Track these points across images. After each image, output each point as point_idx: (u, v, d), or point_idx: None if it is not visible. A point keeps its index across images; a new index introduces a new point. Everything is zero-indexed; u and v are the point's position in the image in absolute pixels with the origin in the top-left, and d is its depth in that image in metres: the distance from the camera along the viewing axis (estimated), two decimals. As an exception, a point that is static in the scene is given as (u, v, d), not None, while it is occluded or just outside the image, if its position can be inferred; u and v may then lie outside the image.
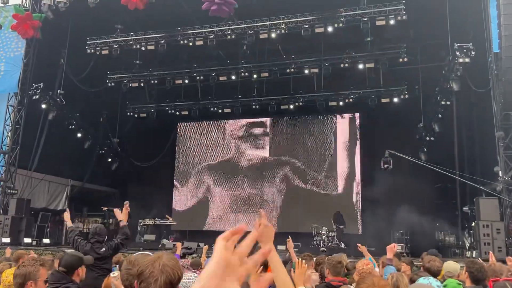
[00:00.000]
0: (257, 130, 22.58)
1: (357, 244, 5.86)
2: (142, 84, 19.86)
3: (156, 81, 19.72)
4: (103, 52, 17.56)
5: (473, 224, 13.86)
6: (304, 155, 21.56)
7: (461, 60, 13.84)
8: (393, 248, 4.93)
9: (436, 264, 4.72)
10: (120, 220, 6.63)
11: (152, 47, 17.41)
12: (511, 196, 12.76)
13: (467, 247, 15.06)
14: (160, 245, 15.70)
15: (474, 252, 13.25)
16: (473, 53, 13.70)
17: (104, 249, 6.07)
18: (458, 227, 16.63)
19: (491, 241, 12.05)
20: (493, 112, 13.24)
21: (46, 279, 3.83)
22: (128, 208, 6.70)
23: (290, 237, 5.77)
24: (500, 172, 12.91)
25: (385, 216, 16.15)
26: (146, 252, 2.62)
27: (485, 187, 13.24)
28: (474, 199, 13.74)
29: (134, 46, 17.51)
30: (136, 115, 22.06)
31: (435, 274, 4.39)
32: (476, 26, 13.93)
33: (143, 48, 17.52)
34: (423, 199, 16.70)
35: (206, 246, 8.91)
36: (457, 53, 13.91)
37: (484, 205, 12.67)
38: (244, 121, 22.64)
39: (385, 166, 13.08)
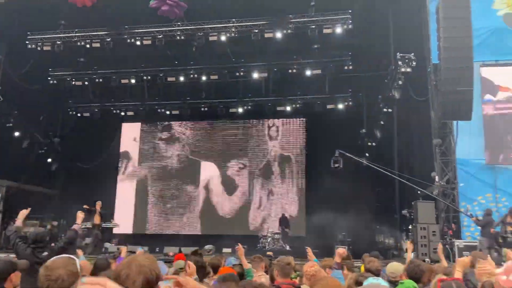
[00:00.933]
0: (202, 133, 22.43)
1: (306, 247, 5.99)
2: (86, 83, 19.22)
3: (101, 80, 19.15)
4: (45, 48, 16.80)
5: (410, 226, 14.50)
6: (251, 157, 21.67)
7: (402, 69, 14.51)
8: (342, 253, 5.07)
9: (375, 264, 4.91)
10: (76, 223, 6.46)
11: (98, 45, 16.87)
12: (446, 200, 13.51)
13: (405, 249, 15.71)
14: (103, 249, 15.23)
15: (412, 254, 13.86)
16: (414, 63, 14.40)
17: (46, 253, 5.80)
18: (397, 230, 17.34)
19: (427, 243, 12.66)
20: (431, 120, 13.98)
21: None
22: (99, 208, 6.56)
23: (240, 244, 5.82)
24: (436, 177, 13.64)
25: (328, 219, 16.55)
26: (63, 256, 2.49)
27: (423, 191, 13.92)
28: (412, 202, 14.39)
29: (78, 43, 16.88)
30: (79, 114, 21.32)
31: (376, 274, 4.57)
32: (417, 37, 14.64)
33: (87, 46, 16.93)
34: (364, 202, 17.29)
35: (142, 251, 8.70)
36: (399, 62, 14.57)
37: (422, 209, 13.31)
38: (192, 124, 22.42)
39: (336, 165, 13.45)
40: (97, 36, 16.91)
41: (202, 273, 4.50)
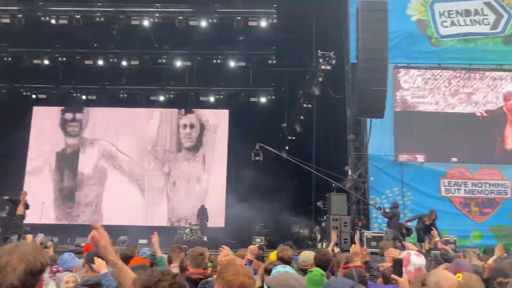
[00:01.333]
0: (117, 120, 21.63)
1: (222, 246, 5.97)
2: (-8, 61, 17.74)
3: (10, 59, 17.77)
4: None
5: (324, 217, 15.10)
6: (178, 148, 21.31)
7: (323, 67, 15.00)
8: (253, 249, 5.12)
9: (288, 253, 5.06)
10: None
11: (7, 21, 15.61)
12: (358, 193, 14.24)
13: (319, 239, 16.35)
14: (9, 240, 14.19)
15: (324, 244, 14.46)
16: (334, 61, 14.94)
17: None
18: (312, 221, 17.96)
19: (339, 233, 13.25)
20: (347, 117, 14.64)
21: None
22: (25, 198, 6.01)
23: (156, 232, 5.69)
24: (349, 171, 14.32)
25: (247, 210, 16.75)
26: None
27: (337, 184, 14.56)
28: (326, 195, 14.98)
29: (-15, 17, 15.54)
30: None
31: (287, 263, 4.70)
32: (338, 36, 15.19)
33: (-5, 21, 15.63)
34: (282, 194, 17.69)
35: (50, 243, 8.27)
36: (320, 60, 15.04)
37: (335, 200, 13.90)
38: (105, 110, 21.51)
39: (256, 158, 13.58)
40: (7, 11, 15.63)
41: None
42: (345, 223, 13.42)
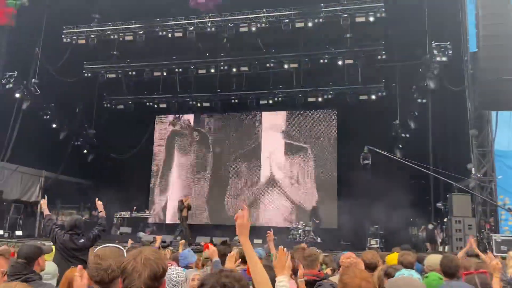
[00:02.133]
0: (242, 125, 22.51)
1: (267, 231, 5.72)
2: (119, 75, 19.54)
3: (134, 73, 19.43)
4: (80, 41, 17.23)
5: (445, 219, 14.15)
6: (289, 150, 21.61)
7: (438, 58, 14.09)
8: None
9: (408, 258, 4.81)
10: (100, 211, 6.59)
11: (130, 38, 17.16)
12: (483, 193, 13.09)
13: (439, 242, 15.37)
14: (137, 238, 15.56)
15: (446, 247, 13.55)
16: (450, 52, 13.95)
17: (83, 240, 5.96)
18: (431, 223, 16.95)
19: (462, 237, 12.34)
20: (468, 111, 13.53)
21: (5, 270, 3.75)
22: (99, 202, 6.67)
23: (271, 230, 5.79)
24: (473, 169, 13.23)
25: (360, 211, 16.35)
26: (110, 245, 2.55)
27: (458, 184, 13.54)
28: (447, 195, 14.02)
29: (112, 36, 17.23)
30: (113, 107, 21.77)
31: (407, 268, 4.48)
32: (452, 25, 14.16)
33: (121, 39, 17.25)
34: (398, 195, 16.91)
35: (182, 241, 8.83)
36: (434, 51, 14.15)
37: (457, 201, 12.97)
38: (222, 116, 22.53)
39: (365, 162, 13.19)
40: (130, 29, 17.19)
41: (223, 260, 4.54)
42: (470, 225, 12.47)
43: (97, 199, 6.79)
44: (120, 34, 17.16)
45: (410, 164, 11.75)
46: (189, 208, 16.12)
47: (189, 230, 16.01)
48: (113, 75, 19.40)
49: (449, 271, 4.24)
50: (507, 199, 12.95)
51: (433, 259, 4.80)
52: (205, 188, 22.17)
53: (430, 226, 16.46)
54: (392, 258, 5.28)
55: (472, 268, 4.36)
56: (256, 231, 16.62)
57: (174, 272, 3.80)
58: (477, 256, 6.97)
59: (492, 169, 13.28)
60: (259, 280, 2.38)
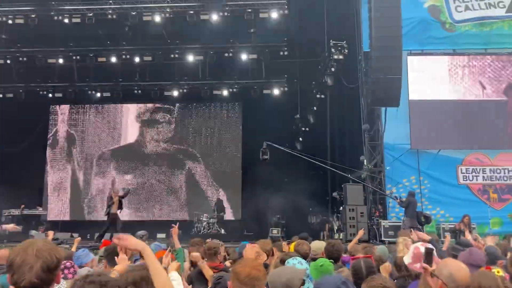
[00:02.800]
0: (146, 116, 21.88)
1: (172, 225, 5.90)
2: (8, 61, 17.99)
3: (25, 59, 18.04)
4: (-39, 22, 15.54)
5: (341, 208, 15.08)
6: (194, 143, 21.46)
7: (335, 56, 14.88)
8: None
9: (305, 247, 5.09)
10: None
11: (21, 21, 15.80)
12: (374, 183, 14.17)
13: (336, 230, 16.35)
14: (30, 236, 14.49)
15: (341, 234, 14.47)
16: (346, 50, 14.81)
17: None
18: (328, 211, 17.96)
19: (355, 224, 13.25)
20: (361, 106, 14.53)
21: None
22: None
23: (177, 224, 5.74)
24: (365, 161, 14.24)
25: (264, 202, 16.82)
26: None
27: (352, 175, 14.49)
28: (342, 185, 14.94)
29: (0, 19, 15.73)
30: (1, 95, 19.94)
31: (304, 257, 4.74)
32: (350, 25, 15.05)
33: (10, 22, 15.81)
34: (298, 186, 17.71)
35: (78, 239, 8.35)
36: (332, 50, 14.92)
37: (351, 191, 13.87)
38: (127, 106, 21.77)
39: (264, 157, 13.66)
40: (21, 12, 15.82)
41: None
42: (362, 213, 13.41)
43: None
44: (9, 16, 15.73)
45: (306, 158, 12.34)
46: (120, 203, 14.34)
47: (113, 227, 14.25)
48: (1, 61, 17.81)
49: (332, 256, 4.64)
50: (394, 188, 14.17)
51: (317, 245, 5.11)
52: (98, 184, 21.27)
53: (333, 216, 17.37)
54: (292, 247, 5.55)
55: (360, 253, 4.73)
56: (160, 225, 16.46)
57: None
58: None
59: (382, 161, 14.43)
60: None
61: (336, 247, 4.82)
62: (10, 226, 6.22)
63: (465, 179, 14.61)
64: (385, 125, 14.23)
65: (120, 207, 14.03)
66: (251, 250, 4.51)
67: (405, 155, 14.43)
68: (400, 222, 12.83)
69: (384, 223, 13.27)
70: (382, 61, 12.29)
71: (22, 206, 17.70)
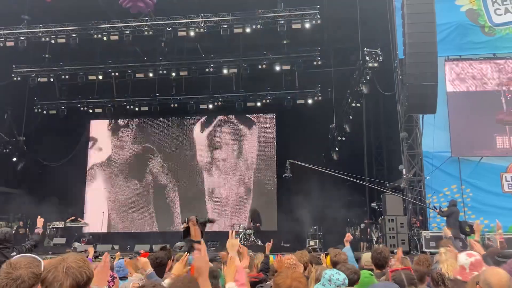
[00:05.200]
0: (176, 129, 22.27)
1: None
2: (51, 79, 18.75)
3: (67, 76, 18.73)
4: (8, 43, 16.31)
5: (379, 219, 14.78)
6: (229, 154, 21.63)
7: (370, 64, 14.71)
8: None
9: (342, 257, 5.03)
10: (38, 227, 6.62)
11: (63, 40, 16.47)
12: (413, 193, 13.82)
13: (375, 241, 16.03)
14: (72, 248, 14.95)
15: (381, 245, 14.15)
16: (381, 58, 14.62)
17: (15, 253, 5.65)
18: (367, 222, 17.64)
19: (395, 235, 12.94)
20: (398, 114, 14.26)
21: None
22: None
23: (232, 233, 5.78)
24: (404, 170, 13.92)
25: (300, 213, 16.71)
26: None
27: (391, 184, 14.20)
28: (381, 195, 14.64)
29: (43, 39, 16.46)
30: (44, 112, 20.79)
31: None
32: (384, 33, 14.88)
33: (52, 41, 16.51)
34: (335, 197, 17.53)
35: (118, 253, 8.53)
36: (366, 57, 14.77)
37: (390, 201, 13.57)
38: (163, 120, 22.22)
39: (286, 175, 13.73)
40: (62, 32, 16.51)
41: (159, 269, 4.47)
42: (401, 223, 13.10)
43: (39, 216, 6.78)
44: (52, 36, 16.42)
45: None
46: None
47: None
48: (45, 79, 18.58)
49: (379, 263, 4.67)
50: (435, 198, 13.75)
51: (368, 256, 5.13)
52: (145, 195, 21.70)
53: (362, 225, 17.10)
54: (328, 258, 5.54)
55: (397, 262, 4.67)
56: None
57: None
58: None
59: (421, 170, 14.06)
60: None
61: (383, 254, 4.79)
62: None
63: (510, 188, 14.02)
64: (423, 133, 13.89)
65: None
66: (280, 262, 4.50)
67: (445, 164, 14.00)
68: (442, 233, 12.43)
69: (425, 233, 12.90)
70: (416, 67, 12.03)
71: (73, 217, 18.32)
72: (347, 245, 5.64)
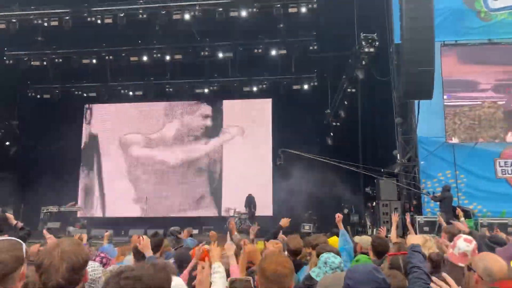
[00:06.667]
0: (161, 113, 22.16)
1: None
2: (44, 63, 18.57)
3: (60, 60, 18.56)
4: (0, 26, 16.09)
5: (374, 203, 14.87)
6: (224, 140, 21.59)
7: (366, 50, 14.64)
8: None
9: (321, 239, 5.08)
10: (15, 223, 5.89)
11: (56, 23, 16.26)
12: (408, 178, 13.89)
13: (369, 225, 16.15)
14: (66, 233, 14.96)
15: (375, 229, 14.27)
16: (377, 43, 14.55)
17: (7, 235, 5.59)
18: (361, 207, 17.75)
19: (389, 219, 13.04)
20: (393, 100, 14.26)
21: None
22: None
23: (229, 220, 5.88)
24: (398, 155, 13.98)
25: (295, 198, 16.76)
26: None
27: (385, 170, 14.25)
28: (375, 180, 14.70)
29: (35, 21, 16.23)
30: (38, 96, 20.61)
31: (337, 253, 4.72)
32: (380, 17, 14.78)
33: (45, 24, 16.28)
34: (329, 181, 17.58)
35: (107, 233, 8.50)
36: (362, 42, 14.69)
37: (384, 186, 13.65)
38: (157, 103, 22.07)
39: (278, 163, 13.77)
40: (55, 14, 16.27)
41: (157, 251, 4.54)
42: (396, 208, 13.20)
43: (6, 213, 6.28)
44: (45, 19, 16.20)
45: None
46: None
47: None
48: (38, 63, 18.41)
49: (379, 249, 4.56)
50: (429, 183, 13.85)
51: (364, 239, 5.16)
52: (143, 179, 21.68)
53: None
54: (332, 241, 5.53)
55: (394, 249, 4.66)
56: (194, 222, 16.66)
57: (89, 268, 3.29)
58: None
59: (416, 155, 14.12)
60: None
61: (383, 240, 4.76)
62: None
63: (503, 173, 14.12)
64: (418, 118, 13.91)
65: None
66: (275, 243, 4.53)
67: (440, 149, 14.06)
68: (436, 218, 12.54)
69: (419, 218, 13.01)
70: (413, 53, 11.97)
71: (73, 203, 18.36)
72: (341, 227, 5.59)
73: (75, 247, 2.09)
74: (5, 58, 17.99)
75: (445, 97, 14.08)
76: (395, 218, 6.70)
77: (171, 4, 15.75)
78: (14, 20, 16.09)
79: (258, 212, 18.09)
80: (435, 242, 4.84)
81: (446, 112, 14.06)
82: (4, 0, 16.04)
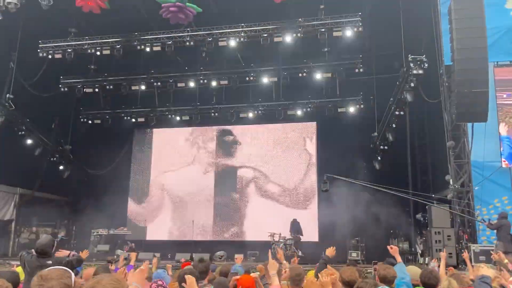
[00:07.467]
0: (214, 138, 22.39)
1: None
2: (96, 90, 19.36)
3: (111, 87, 19.27)
4: (56, 56, 16.97)
5: (424, 231, 14.23)
6: (269, 163, 21.52)
7: (414, 71, 14.29)
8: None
9: (391, 272, 4.79)
10: (68, 254, 6.25)
11: (108, 52, 16.98)
12: (461, 204, 13.23)
13: (420, 254, 15.47)
14: (115, 255, 15.20)
15: (426, 258, 13.63)
16: (426, 65, 14.17)
17: (50, 262, 5.72)
18: (411, 234, 17.07)
19: (442, 247, 12.41)
20: (444, 123, 13.74)
21: None
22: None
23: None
24: (451, 181, 13.37)
25: (342, 224, 16.36)
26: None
27: (436, 195, 13.65)
28: (426, 207, 14.11)
29: (89, 51, 17.02)
30: (90, 122, 21.45)
31: (390, 282, 4.46)
32: (428, 39, 14.44)
33: (98, 53, 17.04)
34: (378, 207, 17.06)
35: (155, 258, 8.57)
36: (411, 64, 14.35)
37: (436, 213, 13.05)
38: (202, 129, 22.37)
39: (324, 189, 13.45)
40: (107, 43, 17.01)
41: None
42: (449, 236, 12.58)
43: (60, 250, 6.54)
44: (97, 48, 16.96)
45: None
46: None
47: None
48: (90, 90, 19.20)
49: (428, 282, 4.40)
50: (484, 209, 13.11)
51: (413, 270, 4.91)
52: (187, 203, 21.87)
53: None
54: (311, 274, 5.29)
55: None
56: (240, 246, 16.56)
57: None
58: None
59: (469, 180, 13.45)
60: None
61: (434, 274, 4.56)
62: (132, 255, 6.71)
63: None
64: (472, 142, 13.29)
65: None
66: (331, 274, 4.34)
67: (496, 174, 13.33)
68: (492, 246, 11.82)
69: (474, 247, 12.29)
70: (466, 74, 11.55)
71: (122, 228, 18.79)
72: (399, 259, 5.35)
73: (115, 284, 2.12)
74: (60, 86, 18.87)
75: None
76: (443, 254, 6.40)
77: (216, 31, 16.08)
78: (69, 50, 16.93)
79: (303, 238, 17.76)
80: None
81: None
82: (61, 31, 16.92)
